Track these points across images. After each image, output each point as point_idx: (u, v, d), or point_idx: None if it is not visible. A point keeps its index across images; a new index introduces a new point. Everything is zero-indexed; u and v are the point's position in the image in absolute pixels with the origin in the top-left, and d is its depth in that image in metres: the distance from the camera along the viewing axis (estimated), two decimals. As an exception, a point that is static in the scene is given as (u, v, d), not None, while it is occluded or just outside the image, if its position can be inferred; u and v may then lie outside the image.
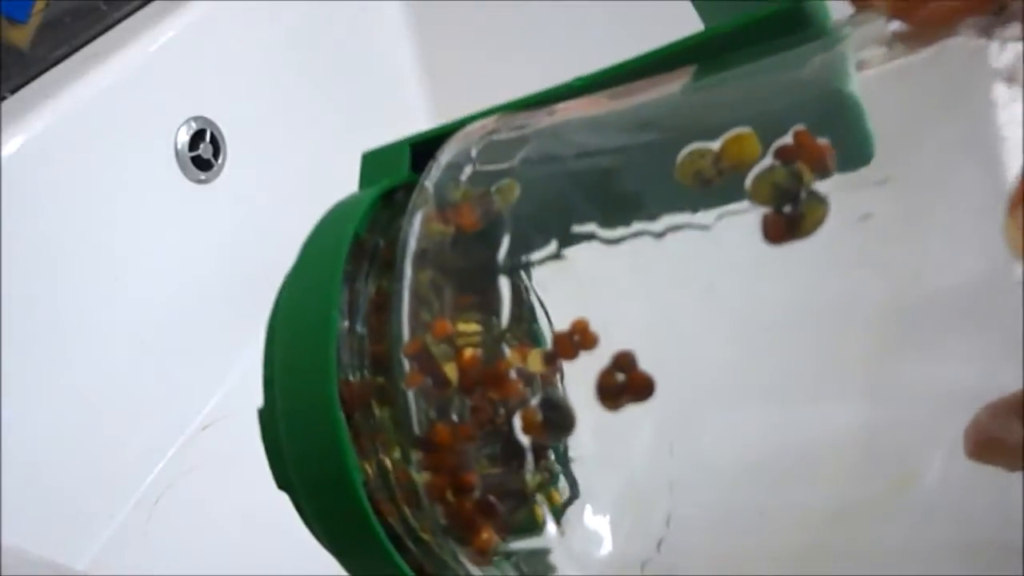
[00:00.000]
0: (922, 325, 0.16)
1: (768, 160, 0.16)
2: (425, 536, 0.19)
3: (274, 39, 0.62)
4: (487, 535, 0.18)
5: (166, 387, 0.56)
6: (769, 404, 0.18)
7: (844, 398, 0.17)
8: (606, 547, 0.19)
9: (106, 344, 0.51)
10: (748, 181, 0.16)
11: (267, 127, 0.62)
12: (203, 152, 0.56)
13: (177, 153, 0.55)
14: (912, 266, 0.16)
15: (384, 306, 0.19)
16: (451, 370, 0.18)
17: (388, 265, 0.20)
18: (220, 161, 0.58)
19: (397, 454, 0.19)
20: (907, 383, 0.16)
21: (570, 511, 0.19)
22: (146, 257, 0.53)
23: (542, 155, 0.20)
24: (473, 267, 0.19)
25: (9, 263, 0.45)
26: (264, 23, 0.61)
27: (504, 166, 0.19)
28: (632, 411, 0.17)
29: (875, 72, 0.17)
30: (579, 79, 0.21)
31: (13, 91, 0.50)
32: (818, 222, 0.16)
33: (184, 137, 0.55)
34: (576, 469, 0.19)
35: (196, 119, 0.56)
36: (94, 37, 0.54)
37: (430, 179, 0.20)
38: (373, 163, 0.23)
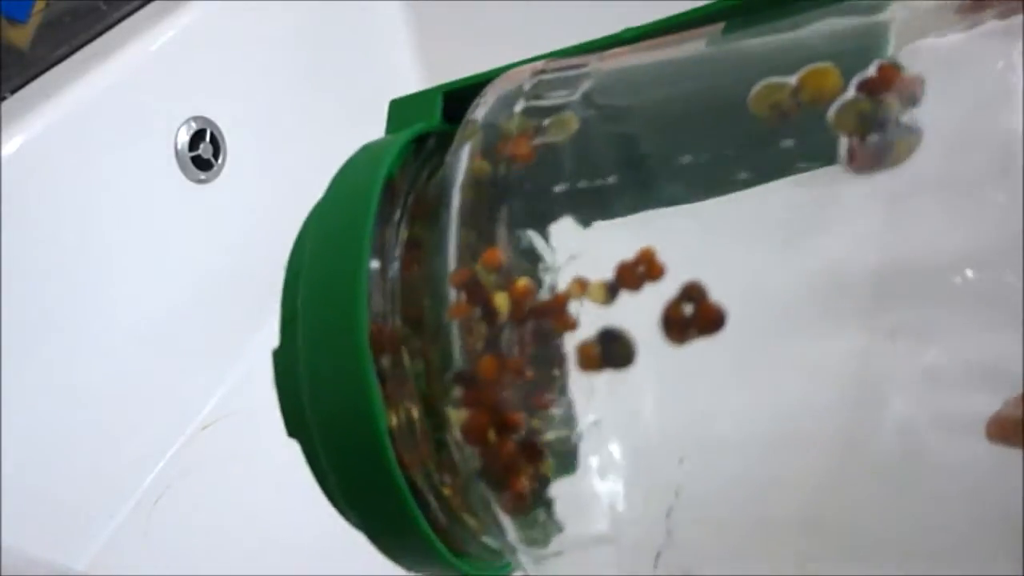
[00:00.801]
0: (926, 299, 0.16)
1: (851, 93, 0.16)
2: (447, 491, 0.18)
3: (274, 39, 0.62)
4: (527, 480, 0.17)
5: (166, 387, 0.56)
6: (763, 366, 0.17)
7: (838, 368, 0.17)
8: (622, 505, 0.18)
9: (106, 344, 0.51)
10: (831, 113, 0.16)
11: (267, 127, 0.62)
12: (203, 152, 0.56)
13: (177, 153, 0.55)
14: (915, 236, 0.16)
15: (415, 258, 0.19)
16: (501, 300, 0.17)
17: (417, 217, 0.19)
18: (220, 161, 0.58)
19: (423, 404, 0.18)
20: (901, 355, 0.16)
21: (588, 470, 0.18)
22: (146, 257, 0.53)
23: (603, 91, 0.19)
24: (527, 199, 0.18)
25: (9, 263, 0.45)
26: (264, 23, 0.61)
27: (561, 101, 0.19)
28: (636, 373, 0.17)
29: (923, 43, 0.17)
30: (629, 30, 0.21)
31: (13, 91, 0.50)
32: (909, 151, 0.15)
33: (184, 137, 0.55)
34: (586, 425, 0.18)
35: (196, 119, 0.56)
36: (94, 37, 0.54)
37: (477, 113, 0.19)
38: (402, 110, 0.22)
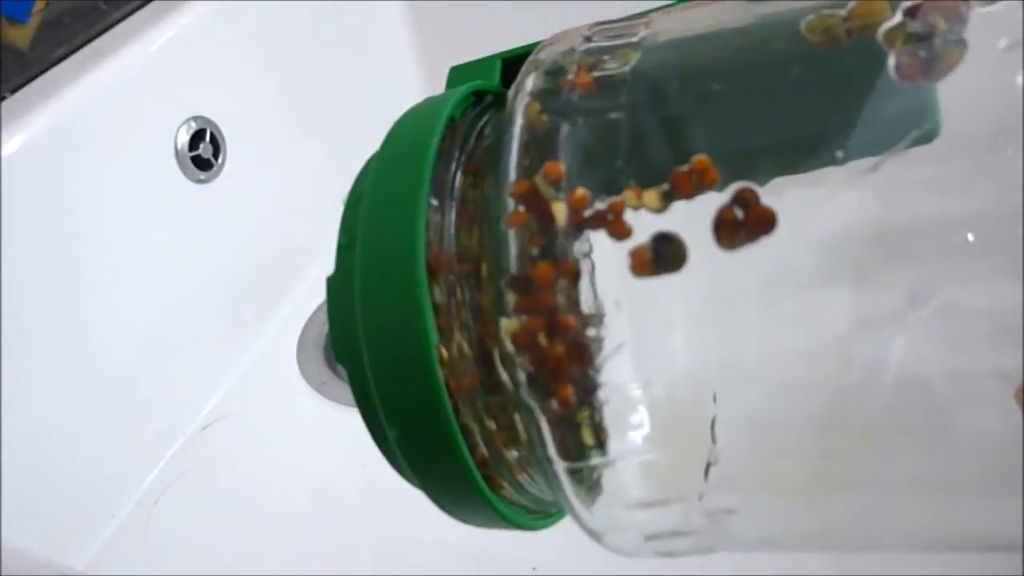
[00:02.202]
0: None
1: (899, 17, 0.16)
2: (490, 424, 0.19)
3: (274, 39, 0.62)
4: (573, 388, 0.17)
5: (166, 387, 0.56)
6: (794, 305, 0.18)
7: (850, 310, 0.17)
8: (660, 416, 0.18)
9: (106, 344, 0.51)
10: (880, 33, 0.16)
11: (267, 127, 0.62)
12: (203, 152, 0.56)
13: (177, 153, 0.55)
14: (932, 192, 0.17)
15: (472, 200, 0.19)
16: (559, 209, 0.17)
17: (475, 161, 0.20)
18: (220, 161, 0.58)
19: (473, 337, 0.19)
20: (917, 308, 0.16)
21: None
22: (146, 257, 0.53)
23: (668, 34, 0.20)
24: (586, 119, 0.18)
25: (9, 263, 0.45)
26: (264, 23, 0.61)
27: (623, 41, 0.19)
28: (667, 296, 0.17)
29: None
30: None
31: (13, 91, 0.50)
32: (954, 63, 0.16)
33: (184, 137, 0.55)
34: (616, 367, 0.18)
35: (196, 119, 0.56)
36: (94, 37, 0.54)
37: (541, 54, 0.20)
38: (461, 75, 0.23)
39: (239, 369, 0.60)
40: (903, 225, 0.17)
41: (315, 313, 0.63)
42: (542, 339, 0.17)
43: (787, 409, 0.18)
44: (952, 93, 0.16)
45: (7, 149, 0.46)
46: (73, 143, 0.49)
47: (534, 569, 0.45)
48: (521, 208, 0.18)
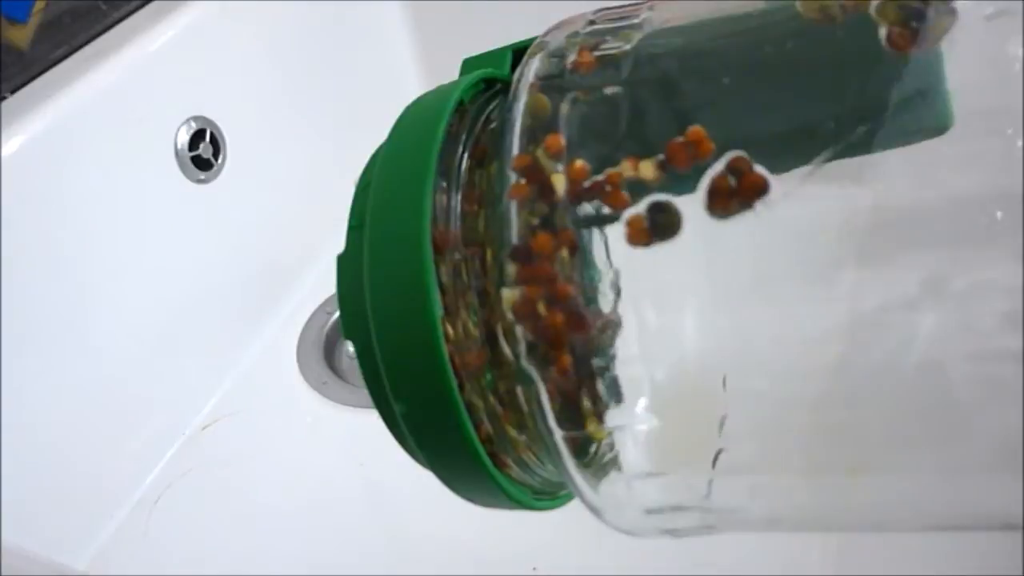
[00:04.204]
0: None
1: None
2: (494, 401, 0.19)
3: (274, 39, 0.62)
4: (571, 358, 0.18)
5: (166, 387, 0.56)
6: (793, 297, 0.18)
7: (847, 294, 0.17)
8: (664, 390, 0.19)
9: (106, 344, 0.51)
10: (872, 8, 0.17)
11: (267, 127, 0.62)
12: (203, 152, 0.56)
13: (177, 153, 0.55)
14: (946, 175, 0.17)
15: (473, 196, 0.20)
16: (558, 180, 0.18)
17: (482, 144, 0.20)
18: (220, 161, 0.58)
19: (479, 316, 0.19)
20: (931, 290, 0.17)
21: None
22: (146, 257, 0.53)
23: (670, 16, 0.20)
24: (587, 95, 0.19)
25: (9, 263, 0.45)
26: (264, 23, 0.61)
27: (625, 23, 0.20)
28: (675, 287, 0.18)
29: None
30: None
31: (13, 91, 0.50)
32: (944, 31, 0.16)
33: (184, 137, 0.55)
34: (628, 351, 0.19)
35: (196, 119, 0.56)
36: (94, 37, 0.54)
37: (547, 37, 0.21)
38: (473, 66, 0.24)
39: (239, 369, 0.60)
40: (915, 210, 0.17)
41: (315, 313, 0.63)
42: (542, 308, 0.17)
43: (798, 392, 0.18)
44: (949, 69, 0.16)
45: (7, 149, 0.46)
46: (73, 143, 0.49)
47: (534, 569, 0.45)
48: (523, 181, 0.18)
